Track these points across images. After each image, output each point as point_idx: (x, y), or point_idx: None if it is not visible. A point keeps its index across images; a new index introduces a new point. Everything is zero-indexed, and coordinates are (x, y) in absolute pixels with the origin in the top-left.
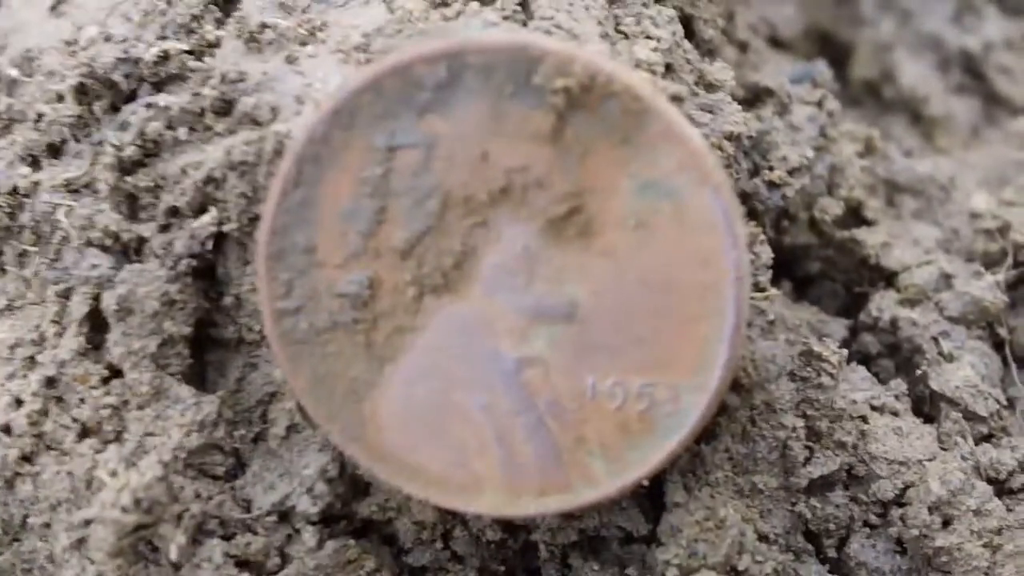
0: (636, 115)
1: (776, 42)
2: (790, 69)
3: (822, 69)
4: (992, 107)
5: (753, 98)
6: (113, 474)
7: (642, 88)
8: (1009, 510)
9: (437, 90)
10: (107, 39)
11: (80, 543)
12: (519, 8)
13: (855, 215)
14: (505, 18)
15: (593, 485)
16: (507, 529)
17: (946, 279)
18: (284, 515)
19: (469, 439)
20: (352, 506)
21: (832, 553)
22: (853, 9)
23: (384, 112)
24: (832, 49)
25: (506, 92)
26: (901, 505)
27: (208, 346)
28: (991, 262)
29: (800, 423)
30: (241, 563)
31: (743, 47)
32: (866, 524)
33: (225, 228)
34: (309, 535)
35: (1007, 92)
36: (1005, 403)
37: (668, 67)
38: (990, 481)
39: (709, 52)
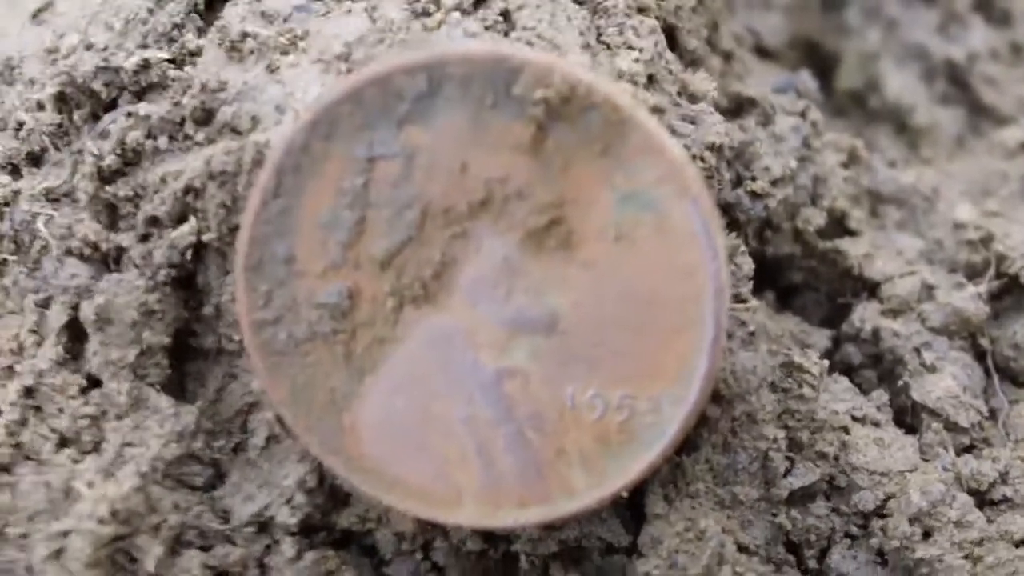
0: (616, 126)
1: (762, 51)
2: (774, 79)
3: (805, 79)
4: (977, 117)
5: (736, 108)
6: (90, 485)
7: (622, 99)
8: (990, 521)
9: (417, 101)
10: (88, 47)
11: (58, 554)
12: (500, 18)
13: (839, 225)
14: (487, 28)
15: (573, 496)
16: (487, 540)
17: (928, 290)
18: (263, 526)
19: (449, 450)
20: (332, 517)
21: (813, 564)
22: (839, 19)
23: (364, 123)
24: (818, 59)
25: (486, 103)
26: (882, 516)
27: (187, 356)
28: (974, 273)
29: (781, 434)
30: (220, 574)
31: (727, 57)
32: (847, 535)
33: (205, 238)
34: (288, 546)
35: (992, 102)
36: (987, 414)
37: (650, 78)
38: (971, 492)
39: (692, 62)
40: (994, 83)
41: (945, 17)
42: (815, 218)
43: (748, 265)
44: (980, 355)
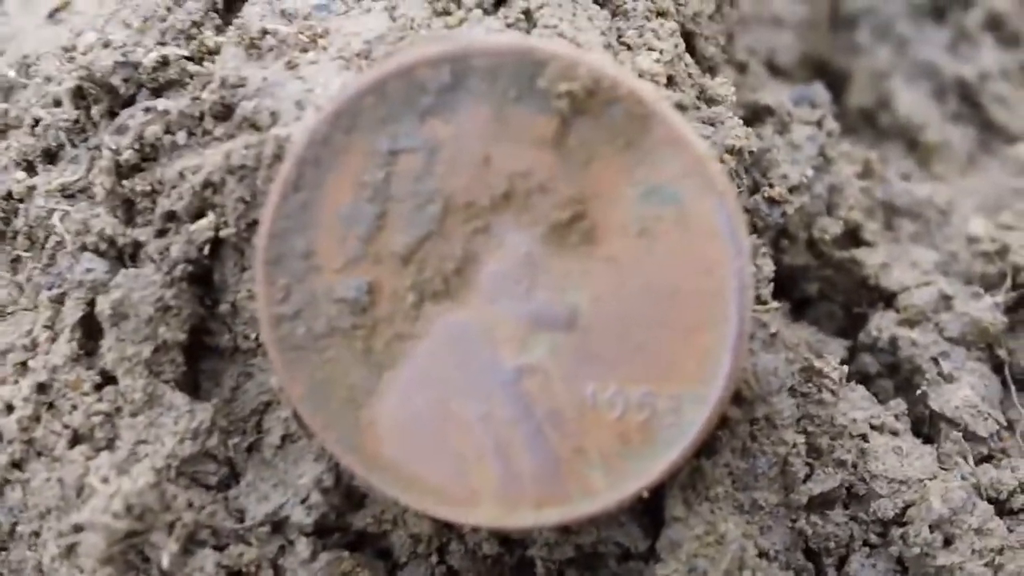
0: (640, 120)
1: (773, 68)
2: (788, 92)
3: (820, 91)
4: (988, 135)
5: (752, 117)
6: (105, 480)
7: (646, 93)
8: (1010, 530)
9: (440, 93)
10: (106, 45)
11: (70, 551)
12: (522, 17)
13: (853, 237)
14: (508, 26)
15: (592, 497)
16: (503, 544)
17: (946, 300)
18: (277, 525)
19: (467, 449)
20: (347, 518)
21: (832, 572)
22: (850, 37)
23: (386, 115)
24: (829, 77)
25: (510, 96)
26: (901, 524)
27: (202, 354)
28: (990, 284)
29: (800, 439)
30: (233, 574)
31: (742, 68)
32: (866, 543)
33: (223, 233)
34: (303, 546)
35: (1003, 120)
36: (1005, 424)
37: (670, 79)
38: (990, 501)
39: (710, 69)
40: (1004, 101)
41: (956, 36)
42: (831, 227)
43: (769, 267)
44: (997, 367)
